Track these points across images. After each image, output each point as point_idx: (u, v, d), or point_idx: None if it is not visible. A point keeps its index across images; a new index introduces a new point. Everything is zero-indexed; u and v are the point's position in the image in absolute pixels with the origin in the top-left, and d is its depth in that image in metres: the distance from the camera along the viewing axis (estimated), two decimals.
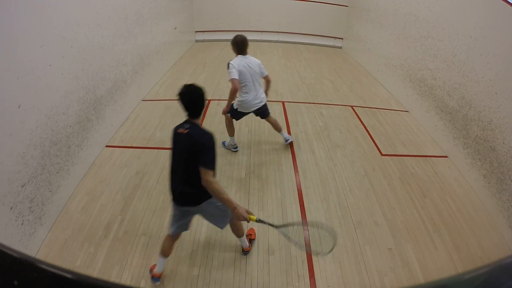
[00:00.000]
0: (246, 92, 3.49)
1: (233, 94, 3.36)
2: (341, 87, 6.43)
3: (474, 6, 3.83)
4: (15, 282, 0.28)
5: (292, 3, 9.29)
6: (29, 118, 2.53)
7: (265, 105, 3.71)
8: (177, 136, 2.08)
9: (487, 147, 3.43)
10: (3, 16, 2.23)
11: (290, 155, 4.02)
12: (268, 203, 3.20)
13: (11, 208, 2.32)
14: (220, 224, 2.27)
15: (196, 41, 9.53)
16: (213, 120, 4.79)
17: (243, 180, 3.53)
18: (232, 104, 3.64)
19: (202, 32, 9.48)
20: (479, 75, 3.66)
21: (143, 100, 5.36)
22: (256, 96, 3.56)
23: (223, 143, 4.10)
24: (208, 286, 2.39)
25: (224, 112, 3.73)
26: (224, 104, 5.40)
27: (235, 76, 3.29)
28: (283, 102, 5.54)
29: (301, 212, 3.11)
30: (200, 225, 2.90)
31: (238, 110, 3.64)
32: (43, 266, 0.30)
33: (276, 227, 2.18)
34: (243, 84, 3.43)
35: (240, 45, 3.44)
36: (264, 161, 3.86)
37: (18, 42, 2.38)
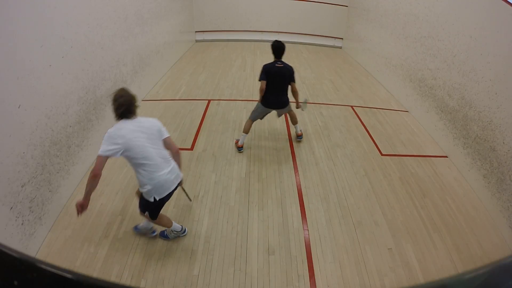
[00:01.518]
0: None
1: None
2: (341, 87, 6.43)
3: (474, 6, 3.83)
4: (15, 282, 0.28)
5: (292, 3, 9.29)
6: (29, 118, 2.53)
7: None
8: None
9: (487, 147, 3.43)
10: (3, 16, 2.23)
11: (290, 155, 4.02)
12: (268, 203, 3.20)
13: (11, 208, 2.32)
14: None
15: (196, 41, 9.53)
16: (213, 120, 4.79)
17: (243, 180, 3.53)
18: None
19: (202, 32, 9.48)
20: (479, 75, 3.66)
21: (143, 100, 5.36)
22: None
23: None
24: (208, 286, 2.39)
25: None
26: (224, 103, 5.43)
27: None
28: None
29: (301, 212, 3.11)
30: (200, 225, 2.90)
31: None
32: (43, 266, 0.30)
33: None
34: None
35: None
36: (264, 161, 3.86)
37: (18, 42, 2.38)
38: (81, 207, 2.19)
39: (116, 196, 3.22)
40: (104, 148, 2.04)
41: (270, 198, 3.28)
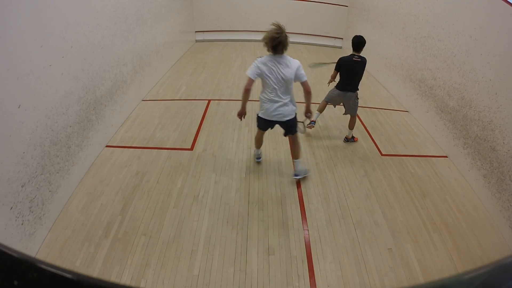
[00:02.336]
0: None
1: None
2: None
3: (474, 6, 3.83)
4: (15, 282, 0.28)
5: (292, 3, 9.29)
6: (29, 118, 2.53)
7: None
8: None
9: (487, 147, 3.43)
10: (3, 16, 2.23)
11: (290, 155, 4.02)
12: (268, 203, 3.20)
13: (11, 208, 2.32)
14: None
15: (196, 41, 9.53)
16: (213, 120, 4.79)
17: (243, 180, 3.53)
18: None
19: (202, 32, 9.48)
20: (479, 75, 3.66)
21: (143, 100, 5.36)
22: None
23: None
24: (208, 286, 2.39)
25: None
26: (224, 103, 5.43)
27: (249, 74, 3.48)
28: None
29: (301, 212, 3.11)
30: (200, 225, 2.90)
31: None
32: (43, 266, 0.30)
33: None
34: None
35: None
36: (264, 161, 3.86)
37: (18, 42, 2.38)
38: (240, 115, 3.19)
39: (116, 196, 3.22)
40: (250, 72, 2.97)
41: (270, 198, 3.28)
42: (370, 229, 2.96)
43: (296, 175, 3.48)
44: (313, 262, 2.61)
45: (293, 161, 3.59)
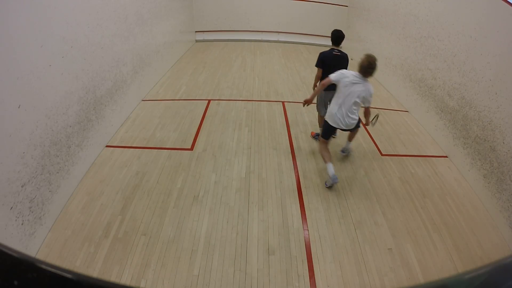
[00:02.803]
0: None
1: None
2: None
3: (474, 6, 3.83)
4: (15, 282, 0.28)
5: (292, 3, 9.30)
6: (29, 118, 2.53)
7: None
8: None
9: (487, 147, 3.43)
10: (3, 16, 2.23)
11: (290, 155, 4.02)
12: (268, 203, 3.21)
13: (11, 208, 2.32)
14: None
15: (196, 41, 9.54)
16: (213, 120, 4.79)
17: (243, 180, 3.53)
18: None
19: (202, 32, 9.49)
20: (479, 75, 3.66)
21: (143, 100, 5.36)
22: None
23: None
24: (208, 286, 2.39)
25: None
26: (224, 103, 5.43)
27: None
28: (283, 102, 5.54)
29: (301, 212, 3.11)
30: (200, 225, 2.90)
31: None
32: (43, 266, 0.30)
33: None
34: None
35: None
36: (264, 161, 3.86)
37: (18, 42, 2.38)
38: (306, 101, 3.56)
39: (116, 196, 3.22)
40: (333, 76, 3.24)
41: (270, 198, 3.28)
42: (370, 229, 2.96)
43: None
44: (313, 262, 2.61)
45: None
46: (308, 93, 5.99)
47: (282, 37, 9.73)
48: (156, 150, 4.00)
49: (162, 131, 4.42)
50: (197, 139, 4.26)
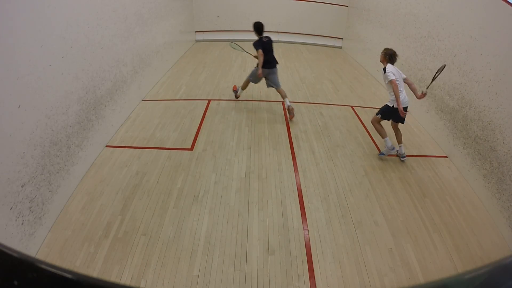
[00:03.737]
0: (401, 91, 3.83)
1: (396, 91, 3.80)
2: (341, 87, 6.43)
3: (474, 6, 3.82)
4: (15, 282, 0.28)
5: (292, 3, 9.30)
6: (29, 118, 2.53)
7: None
8: None
9: (487, 147, 3.43)
10: (3, 16, 2.23)
11: (290, 155, 4.02)
12: (268, 203, 3.21)
13: (11, 208, 2.32)
14: None
15: (196, 41, 9.53)
16: (213, 120, 4.79)
17: (243, 180, 3.53)
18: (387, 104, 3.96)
19: (202, 32, 9.49)
20: (479, 75, 3.66)
21: (143, 100, 5.36)
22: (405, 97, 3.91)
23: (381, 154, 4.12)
24: (208, 286, 2.39)
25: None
26: (224, 103, 5.43)
27: (393, 77, 3.78)
28: (283, 102, 5.53)
29: (301, 212, 3.11)
30: (200, 225, 2.90)
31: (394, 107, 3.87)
32: (43, 266, 0.30)
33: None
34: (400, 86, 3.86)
35: (391, 56, 3.98)
36: (264, 161, 3.86)
37: (18, 42, 2.38)
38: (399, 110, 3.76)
39: (116, 196, 3.22)
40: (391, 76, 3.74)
41: (270, 198, 3.28)
42: (370, 229, 2.96)
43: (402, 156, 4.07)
44: (313, 262, 2.61)
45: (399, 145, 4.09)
46: (308, 93, 6.00)
47: (282, 37, 9.73)
48: (156, 150, 4.00)
49: (162, 131, 4.42)
50: (197, 139, 4.26)
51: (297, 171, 3.72)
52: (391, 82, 3.74)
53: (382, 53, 4.00)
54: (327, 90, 6.26)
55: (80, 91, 3.34)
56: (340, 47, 9.61)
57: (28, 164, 2.51)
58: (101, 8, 3.76)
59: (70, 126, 3.16)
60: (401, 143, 4.04)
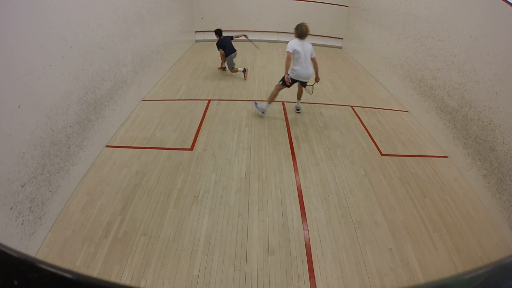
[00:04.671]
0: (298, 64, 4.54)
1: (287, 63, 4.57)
2: (341, 87, 6.43)
3: (474, 6, 3.83)
4: (15, 282, 0.28)
5: (292, 3, 9.30)
6: (29, 118, 2.53)
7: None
8: None
9: (487, 147, 3.43)
10: (3, 16, 2.23)
11: (290, 155, 4.03)
12: (268, 203, 3.21)
13: (11, 208, 2.32)
14: None
15: (196, 41, 9.53)
16: (213, 120, 4.79)
17: (243, 180, 3.53)
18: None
19: (202, 32, 9.49)
20: (479, 75, 3.66)
21: (143, 100, 5.36)
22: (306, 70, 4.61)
23: (255, 104, 5.05)
24: (208, 286, 2.39)
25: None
26: (224, 103, 5.43)
27: (289, 50, 4.46)
28: (283, 102, 5.53)
29: (301, 212, 3.11)
30: (200, 225, 2.90)
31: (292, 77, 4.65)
32: (43, 266, 0.30)
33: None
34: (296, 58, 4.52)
35: (300, 32, 4.55)
36: (264, 161, 3.86)
37: (18, 42, 2.38)
38: (285, 78, 4.55)
39: (116, 196, 3.22)
40: (289, 48, 4.42)
41: (270, 198, 3.28)
42: (370, 229, 2.96)
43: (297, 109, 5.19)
44: (313, 262, 2.61)
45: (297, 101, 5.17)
46: (308, 94, 5.99)
47: (282, 37, 9.72)
48: (156, 150, 4.00)
49: (162, 131, 4.43)
50: (197, 139, 4.26)
51: (297, 171, 3.72)
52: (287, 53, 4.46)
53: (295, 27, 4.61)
54: (327, 90, 6.26)
55: (80, 91, 3.34)
56: (340, 47, 9.61)
57: (28, 164, 2.51)
58: (101, 8, 3.76)
59: (70, 126, 3.16)
60: (299, 99, 5.15)
